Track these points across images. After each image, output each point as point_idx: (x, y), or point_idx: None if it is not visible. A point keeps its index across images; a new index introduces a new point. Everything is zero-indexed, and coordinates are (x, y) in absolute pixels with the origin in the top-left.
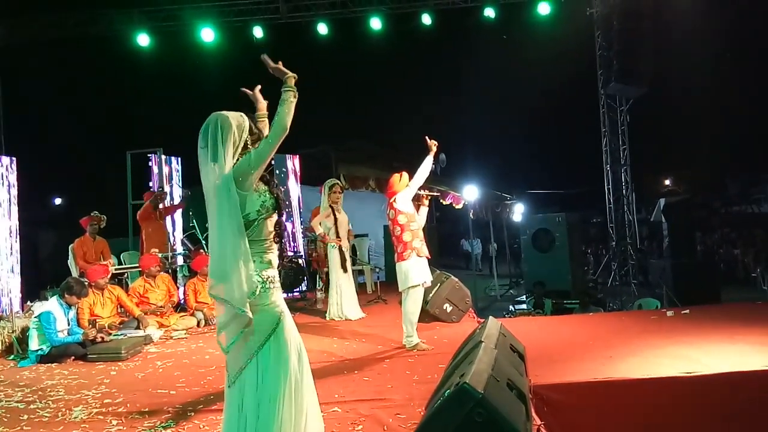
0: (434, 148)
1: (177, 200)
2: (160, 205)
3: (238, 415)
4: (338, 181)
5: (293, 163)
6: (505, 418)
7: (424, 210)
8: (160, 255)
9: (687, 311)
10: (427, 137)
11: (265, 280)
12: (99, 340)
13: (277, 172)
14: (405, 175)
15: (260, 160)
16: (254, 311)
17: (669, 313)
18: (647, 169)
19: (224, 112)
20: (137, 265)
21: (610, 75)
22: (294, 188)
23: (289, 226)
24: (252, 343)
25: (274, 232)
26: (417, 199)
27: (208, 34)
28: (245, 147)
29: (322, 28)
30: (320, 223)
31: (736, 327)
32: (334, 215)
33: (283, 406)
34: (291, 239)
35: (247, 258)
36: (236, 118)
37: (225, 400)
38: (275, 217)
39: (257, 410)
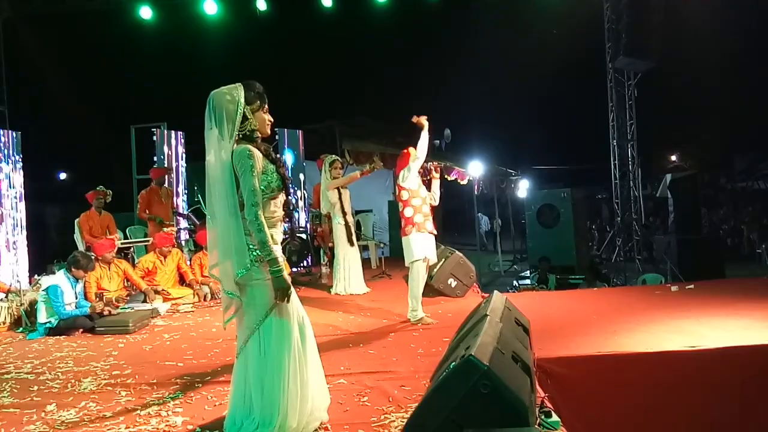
0: (425, 123)
1: (182, 175)
2: (165, 183)
3: (244, 386)
4: (337, 157)
5: (298, 137)
6: (510, 390)
7: (436, 183)
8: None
9: (691, 286)
10: (413, 118)
11: None
12: (107, 313)
13: (286, 148)
14: (412, 149)
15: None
16: (255, 286)
17: (673, 288)
18: (654, 145)
19: (218, 90)
20: (143, 239)
21: (618, 49)
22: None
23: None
24: (254, 316)
25: (281, 211)
26: (428, 173)
27: (210, 6)
28: (245, 118)
29: (327, 1)
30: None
31: (740, 302)
32: (339, 190)
33: (288, 378)
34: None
35: (240, 240)
36: (229, 93)
37: (233, 371)
38: (281, 196)
39: (261, 383)
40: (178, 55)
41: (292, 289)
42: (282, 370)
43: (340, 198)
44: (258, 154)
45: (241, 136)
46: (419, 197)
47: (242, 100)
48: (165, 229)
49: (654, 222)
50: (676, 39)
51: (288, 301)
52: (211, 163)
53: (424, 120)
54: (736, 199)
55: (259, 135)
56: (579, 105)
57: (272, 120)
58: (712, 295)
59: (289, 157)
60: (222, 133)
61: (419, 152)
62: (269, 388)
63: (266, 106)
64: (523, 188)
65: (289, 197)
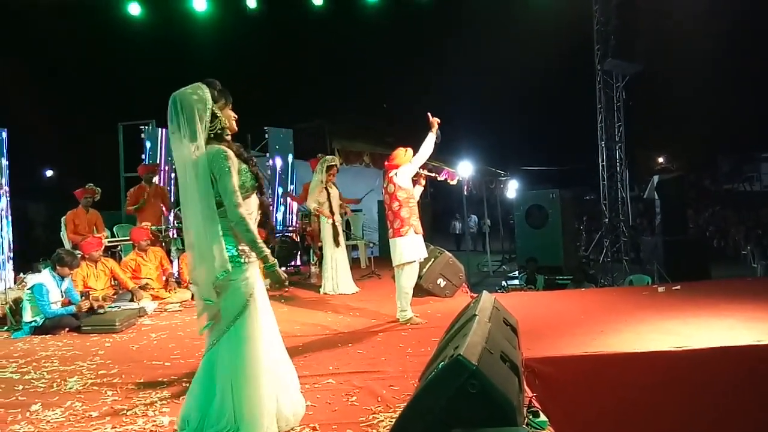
0: (436, 125)
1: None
2: (154, 179)
3: (208, 388)
4: (336, 163)
5: (288, 137)
6: (498, 390)
7: (419, 189)
8: (153, 228)
9: (678, 287)
10: (429, 114)
11: (239, 254)
12: (85, 309)
13: (276, 146)
14: (410, 150)
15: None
16: (226, 287)
17: (660, 289)
18: (641, 147)
19: (181, 90)
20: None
21: (607, 51)
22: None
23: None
24: (222, 321)
25: (257, 212)
26: (417, 176)
27: (200, 3)
28: (214, 116)
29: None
30: (316, 202)
31: (725, 303)
32: (327, 191)
33: (260, 383)
34: (288, 212)
35: (218, 242)
36: (194, 92)
37: (198, 370)
38: (255, 196)
39: (231, 386)
40: (167, 53)
41: (262, 291)
42: (252, 373)
43: (328, 198)
44: (233, 155)
45: (212, 135)
46: (414, 198)
47: (209, 98)
48: (152, 227)
49: (641, 223)
50: (664, 42)
51: (283, 286)
52: (180, 166)
53: (436, 122)
54: (723, 200)
55: (229, 133)
56: (568, 106)
57: (236, 116)
58: (698, 296)
59: (278, 161)
60: (194, 133)
61: (419, 155)
62: (239, 391)
63: (231, 103)
64: (512, 189)
65: (265, 197)
